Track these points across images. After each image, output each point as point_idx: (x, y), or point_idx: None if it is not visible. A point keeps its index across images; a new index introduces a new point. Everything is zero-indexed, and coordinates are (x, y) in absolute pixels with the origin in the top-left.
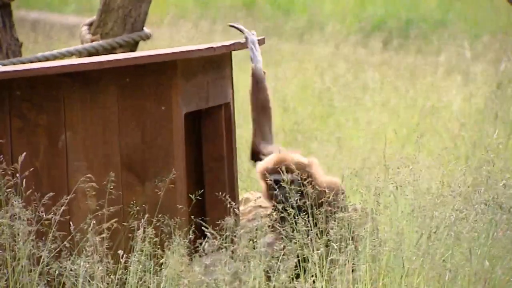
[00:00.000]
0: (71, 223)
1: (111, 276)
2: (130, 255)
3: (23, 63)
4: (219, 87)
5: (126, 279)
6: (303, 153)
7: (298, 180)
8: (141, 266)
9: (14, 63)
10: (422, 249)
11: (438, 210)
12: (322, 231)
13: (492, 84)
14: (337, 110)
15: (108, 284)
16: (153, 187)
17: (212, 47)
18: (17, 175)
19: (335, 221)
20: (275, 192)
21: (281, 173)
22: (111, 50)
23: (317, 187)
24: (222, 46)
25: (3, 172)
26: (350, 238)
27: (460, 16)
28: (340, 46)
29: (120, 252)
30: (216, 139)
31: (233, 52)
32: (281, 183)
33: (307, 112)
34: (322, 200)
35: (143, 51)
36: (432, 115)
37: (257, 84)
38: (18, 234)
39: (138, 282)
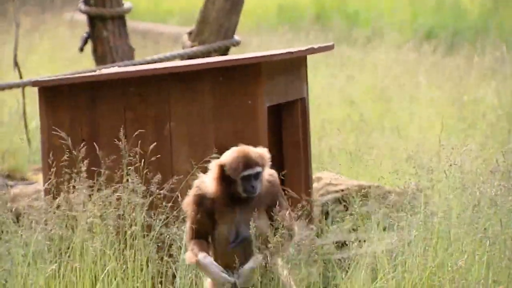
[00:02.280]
0: (179, 195)
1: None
2: None
3: (135, 65)
4: (296, 85)
5: None
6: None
7: (262, 172)
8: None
9: (127, 65)
10: (467, 220)
11: (480, 186)
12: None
13: None
14: (395, 105)
15: None
16: None
17: (290, 52)
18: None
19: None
20: (246, 185)
21: (253, 168)
22: (207, 54)
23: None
24: (299, 50)
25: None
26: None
27: (499, 25)
28: (397, 51)
29: None
30: (293, 128)
31: (308, 56)
32: (251, 177)
33: (370, 106)
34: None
35: (233, 55)
36: (474, 108)
37: None
38: (134, 206)
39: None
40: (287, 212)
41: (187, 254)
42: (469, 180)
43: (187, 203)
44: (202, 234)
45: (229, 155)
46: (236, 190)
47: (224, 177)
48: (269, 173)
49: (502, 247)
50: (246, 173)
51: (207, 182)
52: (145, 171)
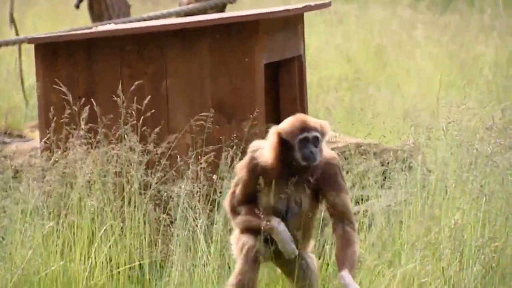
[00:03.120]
0: (178, 156)
1: (206, 197)
2: (220, 180)
3: (132, 22)
4: (293, 42)
5: (217, 200)
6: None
7: (320, 138)
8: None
9: (124, 22)
10: (463, 177)
11: (477, 144)
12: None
13: None
14: (391, 62)
15: (204, 203)
16: (239, 125)
17: (287, 9)
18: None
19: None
20: (304, 150)
21: (310, 131)
22: (203, 11)
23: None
24: (296, 8)
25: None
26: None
27: None
28: (393, 8)
29: (214, 177)
30: (290, 85)
31: (304, 14)
32: (309, 141)
33: (367, 63)
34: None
35: (229, 12)
36: (472, 65)
37: None
38: (132, 164)
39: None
40: (347, 198)
41: (239, 218)
42: (466, 137)
43: (241, 167)
44: (251, 200)
45: (287, 121)
46: (294, 158)
47: (282, 145)
48: (330, 155)
49: (498, 204)
50: (302, 135)
51: (264, 150)
52: (142, 129)
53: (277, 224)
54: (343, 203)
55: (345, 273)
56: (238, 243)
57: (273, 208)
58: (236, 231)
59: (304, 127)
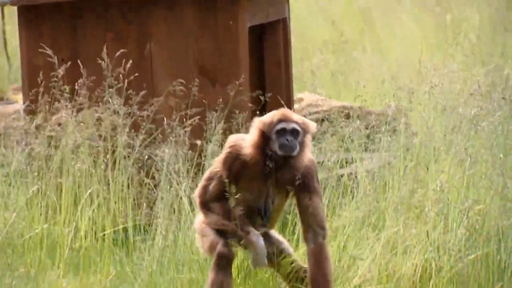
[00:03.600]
0: (165, 119)
1: (190, 161)
2: (205, 144)
3: None
4: (277, 5)
5: (203, 164)
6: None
7: (300, 131)
8: (215, 155)
9: None
10: (448, 140)
11: (461, 107)
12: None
13: (502, 2)
14: (377, 25)
15: (188, 167)
16: (223, 89)
17: None
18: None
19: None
20: (281, 140)
21: (288, 122)
22: None
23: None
24: None
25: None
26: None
27: None
28: None
29: (198, 142)
30: (274, 47)
31: None
32: (286, 131)
33: (351, 26)
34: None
35: None
36: (456, 28)
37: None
38: (117, 127)
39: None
40: (320, 203)
41: (213, 217)
42: (450, 101)
43: (219, 161)
44: (223, 196)
45: (268, 113)
46: (273, 149)
47: (263, 137)
48: (310, 158)
49: (483, 167)
50: (279, 126)
51: (244, 142)
52: (127, 92)
53: (256, 239)
54: (315, 206)
55: None
56: (205, 238)
57: (250, 206)
58: (200, 217)
59: (283, 119)
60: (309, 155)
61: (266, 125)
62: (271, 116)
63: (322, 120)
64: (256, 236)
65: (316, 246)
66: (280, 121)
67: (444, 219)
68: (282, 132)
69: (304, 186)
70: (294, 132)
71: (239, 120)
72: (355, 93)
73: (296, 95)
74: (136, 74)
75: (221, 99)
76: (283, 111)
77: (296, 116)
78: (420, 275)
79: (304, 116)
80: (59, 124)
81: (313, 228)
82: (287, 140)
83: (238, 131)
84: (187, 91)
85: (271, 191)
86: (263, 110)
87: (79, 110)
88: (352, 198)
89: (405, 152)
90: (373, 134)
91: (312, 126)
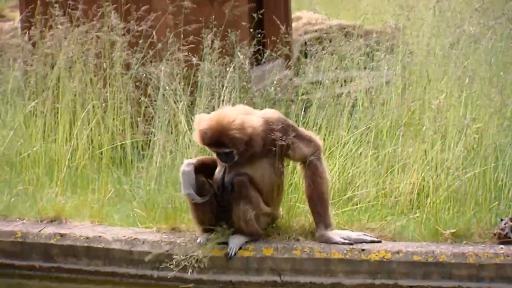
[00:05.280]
0: (154, 34)
1: (186, 78)
2: (200, 62)
3: None
4: None
5: (198, 82)
6: None
7: (232, 151)
8: (211, 71)
9: None
10: (445, 58)
11: (460, 24)
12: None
13: None
14: None
15: (184, 84)
16: (220, 5)
17: None
18: None
19: None
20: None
21: (219, 147)
22: None
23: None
24: None
25: None
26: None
27: None
28: None
29: (194, 59)
30: None
31: None
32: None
33: None
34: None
35: None
36: None
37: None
38: (116, 44)
39: (207, 83)
40: (296, 140)
41: None
42: (450, 18)
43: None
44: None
45: (203, 123)
46: None
47: None
48: (264, 120)
49: (481, 85)
50: (212, 149)
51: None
52: (124, 7)
53: (185, 165)
54: (295, 147)
55: (323, 232)
56: None
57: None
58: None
59: (213, 142)
60: (253, 124)
61: (199, 141)
62: (202, 134)
63: (318, 39)
64: (186, 162)
65: (310, 167)
66: (209, 145)
67: (442, 137)
68: (216, 153)
69: (270, 151)
70: (227, 154)
71: (232, 38)
72: (355, 11)
73: (294, 13)
74: None
75: (213, 16)
76: (216, 126)
77: (228, 131)
78: (417, 193)
79: (302, 34)
80: (56, 41)
81: (303, 157)
82: (223, 159)
83: (232, 50)
84: (182, 9)
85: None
86: (259, 28)
87: (75, 26)
88: (350, 116)
89: (404, 70)
90: (373, 53)
91: (250, 124)
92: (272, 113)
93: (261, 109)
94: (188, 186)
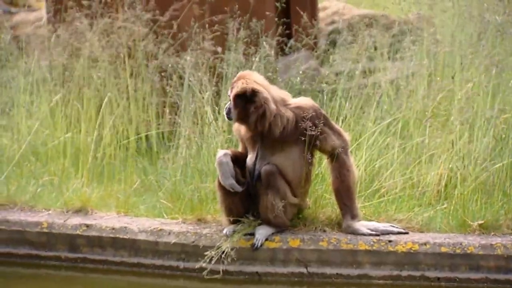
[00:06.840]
0: (179, 24)
1: (211, 69)
2: (227, 52)
3: None
4: None
5: (224, 72)
6: None
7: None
8: (236, 62)
9: None
10: (472, 48)
11: (486, 14)
12: None
13: None
14: None
15: (209, 74)
16: None
17: None
18: None
19: None
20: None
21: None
22: None
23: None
24: None
25: None
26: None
27: None
28: None
29: (219, 49)
30: None
31: None
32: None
33: None
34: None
35: None
36: None
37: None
38: (140, 33)
39: (232, 73)
40: (327, 129)
41: None
42: (474, 8)
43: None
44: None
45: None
46: None
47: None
48: (297, 105)
49: (509, 75)
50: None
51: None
52: None
53: (221, 155)
54: (323, 138)
55: (350, 223)
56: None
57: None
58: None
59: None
60: (287, 113)
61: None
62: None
63: (346, 28)
64: (222, 153)
65: (338, 160)
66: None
67: (470, 128)
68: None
69: (301, 141)
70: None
71: (258, 28)
72: (379, 1)
73: (321, 3)
74: None
75: (237, 6)
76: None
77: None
78: (445, 184)
79: (328, 24)
80: (80, 32)
81: (333, 148)
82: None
83: (257, 40)
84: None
85: (262, 151)
86: (284, 17)
87: (100, 16)
88: (377, 106)
89: (429, 61)
90: (397, 43)
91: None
92: (306, 101)
93: None
94: (228, 176)
